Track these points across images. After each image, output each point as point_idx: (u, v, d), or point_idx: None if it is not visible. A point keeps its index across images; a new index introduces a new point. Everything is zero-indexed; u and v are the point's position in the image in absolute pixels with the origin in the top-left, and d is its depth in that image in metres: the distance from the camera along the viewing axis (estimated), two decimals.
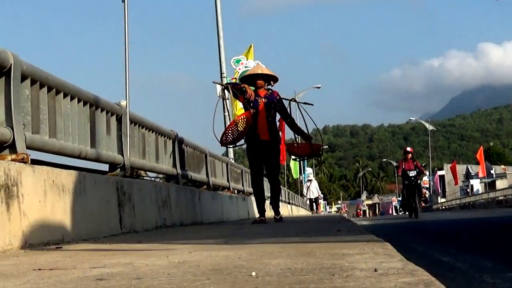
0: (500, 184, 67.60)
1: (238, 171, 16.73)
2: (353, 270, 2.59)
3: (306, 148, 9.89)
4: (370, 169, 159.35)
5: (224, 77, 19.45)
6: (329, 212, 72.85)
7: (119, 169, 7.39)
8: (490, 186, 63.78)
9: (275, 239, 5.24)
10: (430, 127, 67.24)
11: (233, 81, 16.49)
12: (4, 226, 4.32)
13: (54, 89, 5.70)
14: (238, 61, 20.34)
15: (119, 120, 7.53)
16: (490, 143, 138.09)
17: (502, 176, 73.80)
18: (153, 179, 9.85)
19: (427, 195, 55.47)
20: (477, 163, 61.98)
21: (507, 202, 41.62)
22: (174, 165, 9.88)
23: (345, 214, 52.81)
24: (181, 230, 7.69)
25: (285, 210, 26.58)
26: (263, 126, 9.23)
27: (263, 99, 9.30)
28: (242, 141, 9.47)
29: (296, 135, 9.91)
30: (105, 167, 7.37)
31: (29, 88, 5.27)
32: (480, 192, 61.90)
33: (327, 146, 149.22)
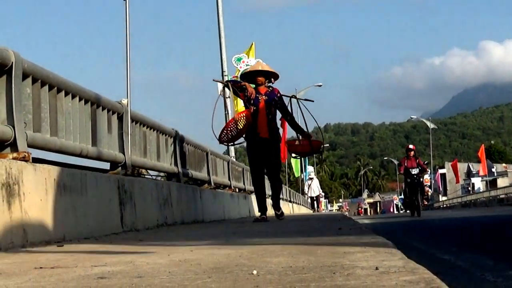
0: (501, 182, 67.57)
1: (239, 169, 16.74)
2: (354, 269, 2.59)
3: (306, 146, 9.87)
4: (371, 167, 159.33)
5: (225, 75, 19.46)
6: (330, 210, 72.86)
7: (120, 167, 7.40)
8: (492, 184, 63.77)
9: (276, 237, 5.24)
10: (431, 125, 67.19)
11: (234, 79, 16.47)
12: (6, 224, 4.33)
13: (55, 88, 5.71)
14: (239, 59, 20.35)
15: (120, 118, 7.53)
16: (492, 141, 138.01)
17: (503, 174, 73.81)
18: (154, 177, 9.86)
19: (429, 193, 54.84)
20: (479, 161, 61.99)
21: (509, 200, 41.56)
22: (175, 164, 9.88)
23: (346, 213, 52.78)
24: (182, 229, 7.70)
25: (287, 208, 26.58)
26: (263, 123, 9.19)
27: (264, 97, 9.26)
28: (241, 139, 9.44)
29: (296, 133, 9.88)
30: (106, 166, 7.38)
31: (30, 86, 5.28)
32: (481, 191, 61.85)
33: (328, 145, 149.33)
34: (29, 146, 5.10)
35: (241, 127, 9.00)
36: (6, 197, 4.37)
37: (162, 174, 10.05)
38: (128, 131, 7.55)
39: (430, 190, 54.34)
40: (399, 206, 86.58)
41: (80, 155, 6.26)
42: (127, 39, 7.72)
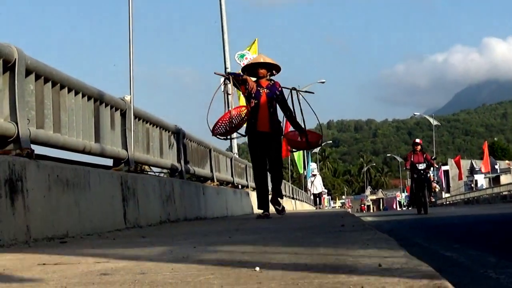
0: (504, 179, 67.55)
1: (242, 166, 16.74)
2: (357, 265, 2.59)
3: (302, 142, 9.81)
4: (374, 164, 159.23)
5: (228, 71, 19.43)
6: (333, 207, 72.89)
7: (123, 164, 7.40)
8: (495, 181, 63.74)
9: (279, 234, 5.24)
10: (434, 122, 67.08)
11: (236, 72, 16.43)
12: (9, 220, 4.33)
13: (59, 84, 5.71)
14: (242, 56, 20.33)
15: (123, 115, 7.53)
16: (495, 138, 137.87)
17: (507, 171, 73.77)
18: (157, 174, 9.86)
19: (437, 189, 53.71)
20: (482, 158, 61.90)
21: None
22: (178, 160, 9.89)
23: (349, 209, 52.76)
24: (185, 225, 7.70)
25: (289, 205, 26.59)
26: (264, 117, 9.10)
27: (265, 90, 9.16)
28: (235, 134, 9.35)
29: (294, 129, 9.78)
30: (109, 162, 7.38)
31: (33, 83, 5.28)
32: (484, 187, 61.81)
33: (331, 141, 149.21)
34: (32, 142, 5.10)
35: (237, 122, 8.92)
36: (9, 193, 4.38)
37: (165, 170, 10.04)
38: (131, 128, 7.55)
39: (437, 186, 53.11)
40: (402, 203, 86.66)
41: (83, 151, 6.27)
42: (130, 36, 7.73)
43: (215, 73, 9.40)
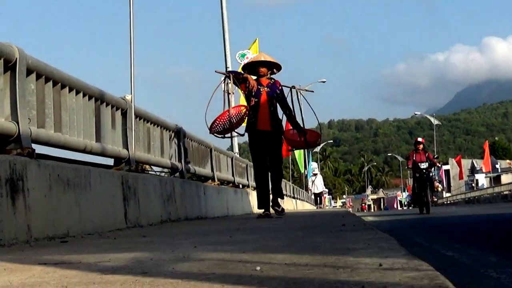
0: (505, 178, 67.53)
1: (243, 165, 16.73)
2: (358, 265, 2.59)
3: (301, 142, 9.79)
4: (375, 163, 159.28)
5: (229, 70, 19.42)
6: (334, 206, 72.90)
7: (124, 163, 7.40)
8: (495, 180, 63.72)
9: (280, 233, 5.24)
10: (435, 121, 67.06)
11: (236, 70, 16.41)
12: (10, 220, 4.33)
13: (59, 84, 5.71)
14: (243, 55, 20.30)
15: (124, 114, 7.53)
16: (496, 138, 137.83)
17: (507, 170, 73.75)
18: (158, 173, 9.86)
19: (440, 189, 52.99)
20: (483, 157, 61.91)
21: None
22: (179, 160, 9.89)
23: (350, 209, 52.75)
24: (186, 225, 7.70)
25: (290, 204, 26.58)
26: (265, 116, 9.06)
27: (266, 88, 9.13)
28: (233, 133, 9.29)
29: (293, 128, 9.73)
30: (110, 162, 7.38)
31: (34, 82, 5.28)
32: (485, 187, 61.81)
33: (332, 141, 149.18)
34: (33, 142, 5.10)
35: (235, 122, 8.88)
36: (10, 193, 4.38)
37: (166, 170, 10.04)
38: (132, 127, 7.56)
39: (440, 185, 52.36)
40: (402, 202, 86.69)
41: (84, 151, 6.27)
42: (131, 35, 7.73)
43: (215, 71, 9.37)
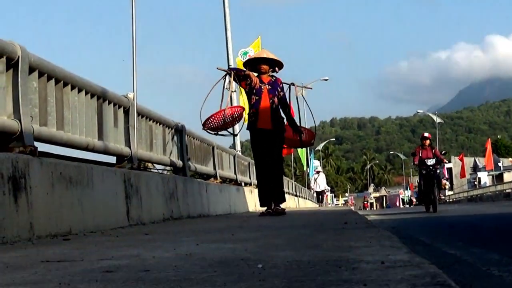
0: (507, 176, 67.48)
1: (245, 163, 16.73)
2: (360, 263, 2.59)
3: (296, 141, 9.75)
4: (378, 161, 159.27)
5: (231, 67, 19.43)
6: (336, 204, 72.90)
7: (126, 161, 7.41)
8: (498, 178, 63.64)
9: (282, 231, 5.25)
10: (437, 119, 66.94)
11: (238, 67, 16.40)
12: (12, 218, 4.34)
13: (62, 82, 5.72)
14: (245, 53, 20.32)
15: (126, 112, 7.54)
16: (498, 136, 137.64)
17: (510, 168, 73.67)
18: (160, 171, 9.87)
19: (447, 187, 51.59)
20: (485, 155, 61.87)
21: None
22: (181, 158, 9.89)
23: (352, 207, 52.71)
24: (188, 223, 7.70)
25: (292, 202, 26.59)
26: (266, 114, 8.99)
27: (267, 86, 9.07)
28: (225, 132, 9.24)
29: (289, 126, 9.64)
30: (112, 159, 7.39)
31: (36, 80, 5.29)
32: (487, 185, 61.74)
33: (334, 139, 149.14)
34: (36, 139, 5.11)
35: (228, 121, 8.84)
36: (13, 190, 4.38)
37: (168, 168, 10.04)
38: (134, 125, 7.56)
39: (447, 183, 50.83)
40: (405, 200, 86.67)
41: (86, 148, 6.27)
42: (133, 33, 7.73)
43: (217, 68, 9.34)
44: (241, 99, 17.62)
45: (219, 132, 9.16)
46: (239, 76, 9.08)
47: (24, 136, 4.89)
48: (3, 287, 2.29)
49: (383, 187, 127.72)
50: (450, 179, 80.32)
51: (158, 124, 8.89)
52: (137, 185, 7.10)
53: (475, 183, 73.49)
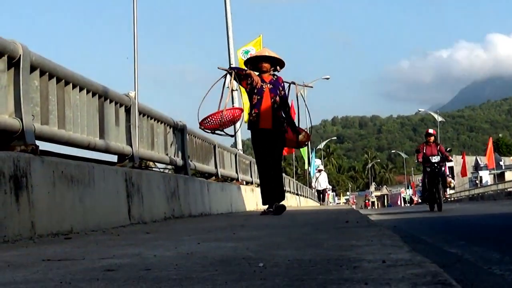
0: (509, 175, 67.47)
1: (247, 162, 16.73)
2: (361, 262, 2.59)
3: (292, 142, 9.72)
4: (379, 160, 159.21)
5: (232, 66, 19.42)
6: (337, 203, 72.92)
7: (127, 160, 7.41)
8: (499, 177, 63.63)
9: (283, 230, 5.25)
10: (439, 118, 66.91)
11: (239, 67, 16.38)
12: (13, 216, 4.34)
13: (63, 80, 5.72)
14: (247, 52, 20.30)
15: (127, 111, 7.54)
16: (500, 135, 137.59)
17: (511, 167, 73.66)
18: (161, 170, 9.87)
19: (452, 185, 50.04)
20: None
21: None
22: (183, 156, 9.89)
23: (354, 206, 52.71)
24: (190, 221, 7.71)
25: (294, 201, 26.59)
26: (267, 113, 8.93)
27: (269, 85, 9.00)
28: (221, 132, 9.21)
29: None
30: (113, 158, 7.39)
31: (38, 79, 5.29)
32: (489, 184, 61.72)
33: (335, 138, 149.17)
34: (37, 138, 5.11)
35: (224, 121, 8.81)
36: (14, 189, 4.38)
37: (169, 166, 10.04)
38: (135, 124, 7.56)
39: (452, 181, 49.19)
40: (406, 199, 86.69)
41: (87, 147, 6.28)
42: (135, 32, 7.73)
43: (218, 67, 9.32)
44: (243, 98, 17.61)
45: (216, 131, 9.15)
46: (239, 75, 9.04)
47: (25, 134, 4.89)
48: (4, 285, 2.29)
49: (385, 186, 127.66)
50: (452, 177, 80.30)
51: (159, 122, 8.89)
52: (138, 184, 7.10)
53: (477, 182, 73.49)
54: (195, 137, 10.88)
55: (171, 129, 9.48)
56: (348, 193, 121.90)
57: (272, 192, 9.15)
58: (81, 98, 6.14)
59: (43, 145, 5.26)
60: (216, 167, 12.32)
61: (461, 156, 67.53)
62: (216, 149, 12.42)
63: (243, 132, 19.79)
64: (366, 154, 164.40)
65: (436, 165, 15.66)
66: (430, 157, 15.72)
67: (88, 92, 6.32)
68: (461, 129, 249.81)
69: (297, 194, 30.94)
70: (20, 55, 4.93)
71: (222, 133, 9.24)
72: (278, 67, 9.29)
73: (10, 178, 4.35)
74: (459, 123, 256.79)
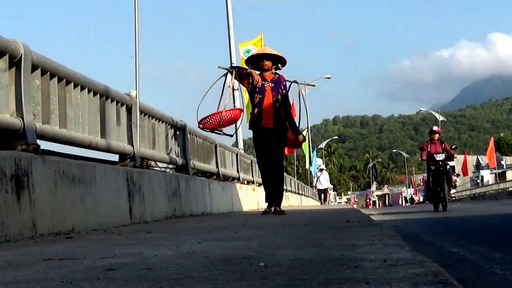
0: (510, 175, 67.46)
1: (248, 161, 16.72)
2: (362, 261, 2.59)
3: (291, 141, 9.69)
4: (380, 159, 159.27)
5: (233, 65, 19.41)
6: (338, 202, 72.92)
7: (129, 159, 7.41)
8: (501, 176, 63.62)
9: (284, 229, 5.24)
10: (440, 117, 66.94)
11: (240, 66, 16.36)
12: (15, 216, 4.34)
13: (64, 80, 5.72)
14: (248, 51, 20.28)
15: (129, 110, 7.54)
16: (501, 134, 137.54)
17: None
18: (163, 169, 9.86)
19: (457, 183, 49.60)
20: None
21: None
22: (184, 156, 9.89)
23: (355, 205, 52.70)
24: (191, 221, 7.70)
25: (295, 200, 26.59)
26: (269, 112, 8.88)
27: (270, 84, 8.94)
28: (219, 131, 9.20)
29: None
30: (115, 158, 7.39)
31: (39, 78, 5.29)
32: (490, 183, 61.70)
33: (337, 137, 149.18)
34: (38, 138, 5.11)
35: (223, 121, 8.79)
36: (15, 188, 4.38)
37: (170, 166, 10.04)
38: (136, 123, 7.56)
39: (458, 179, 48.81)
40: (407, 198, 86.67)
41: (89, 147, 6.28)
42: (136, 31, 7.73)
43: (219, 67, 9.30)
44: (246, 97, 17.59)
45: (214, 131, 9.14)
46: (240, 74, 8.99)
47: (26, 134, 4.90)
48: (5, 285, 2.29)
49: (386, 185, 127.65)
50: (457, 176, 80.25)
51: (160, 122, 8.89)
52: (139, 183, 7.10)
53: (478, 181, 73.46)
54: (196, 136, 10.88)
55: (172, 128, 9.48)
56: (349, 192, 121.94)
57: (273, 192, 9.15)
58: (83, 98, 6.14)
59: (44, 145, 5.26)
60: (217, 166, 12.32)
61: (462, 156, 67.44)
62: (217, 148, 12.42)
63: (244, 132, 19.78)
64: (367, 154, 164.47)
65: (441, 163, 15.22)
66: (434, 155, 15.27)
67: (89, 91, 6.32)
68: (462, 129, 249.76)
69: (298, 194, 30.94)
70: (21, 54, 4.93)
71: (220, 133, 9.24)
72: (279, 65, 9.25)
73: (12, 177, 4.36)
74: (460, 123, 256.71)
